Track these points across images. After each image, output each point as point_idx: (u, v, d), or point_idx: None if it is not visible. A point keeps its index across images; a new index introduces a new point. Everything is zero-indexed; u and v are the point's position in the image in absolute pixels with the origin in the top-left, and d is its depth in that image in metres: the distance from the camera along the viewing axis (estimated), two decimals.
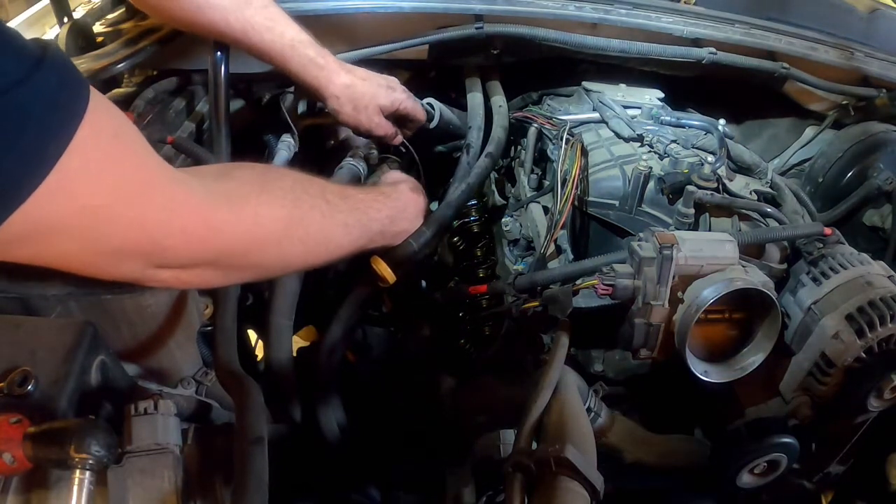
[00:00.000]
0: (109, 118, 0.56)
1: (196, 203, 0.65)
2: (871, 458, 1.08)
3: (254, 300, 1.10)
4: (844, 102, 1.46)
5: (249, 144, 1.28)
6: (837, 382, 0.91)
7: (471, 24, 1.30)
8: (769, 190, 1.13)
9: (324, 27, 1.20)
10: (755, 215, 1.03)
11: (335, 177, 1.19)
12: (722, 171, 1.06)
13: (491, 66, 1.45)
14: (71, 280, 0.77)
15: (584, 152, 1.13)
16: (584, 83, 1.37)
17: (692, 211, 1.01)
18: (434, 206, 1.23)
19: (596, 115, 1.26)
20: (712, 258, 0.89)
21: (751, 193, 1.09)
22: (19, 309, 0.77)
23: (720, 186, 1.05)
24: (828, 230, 0.97)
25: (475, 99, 1.38)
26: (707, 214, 1.04)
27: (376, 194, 0.99)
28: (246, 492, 0.66)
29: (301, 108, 1.31)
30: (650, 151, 1.16)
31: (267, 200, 0.74)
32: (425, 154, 1.41)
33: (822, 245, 0.98)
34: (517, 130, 1.39)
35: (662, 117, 1.21)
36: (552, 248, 1.12)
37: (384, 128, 1.23)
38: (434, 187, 1.29)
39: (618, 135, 1.19)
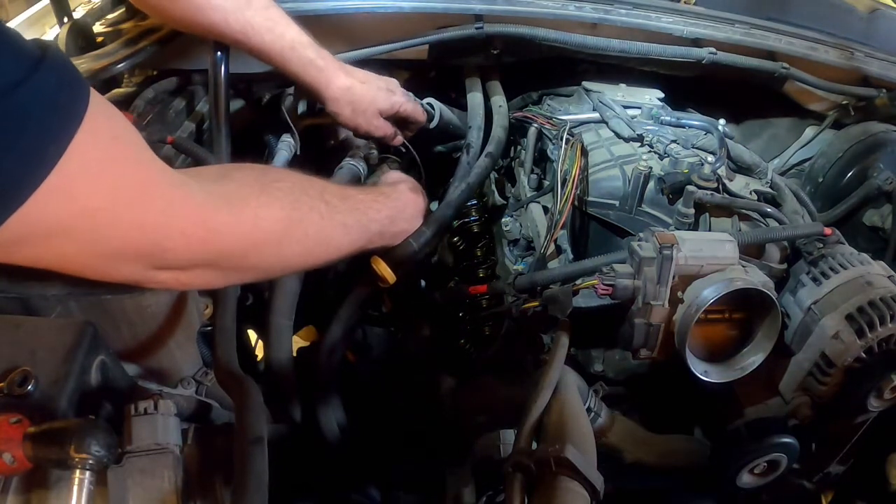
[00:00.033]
0: (108, 120, 0.56)
1: (195, 205, 0.65)
2: (871, 458, 1.08)
3: (254, 300, 1.10)
4: (844, 102, 1.46)
5: (249, 144, 1.28)
6: (837, 382, 0.91)
7: (471, 24, 1.30)
8: (769, 190, 1.13)
9: (324, 27, 1.20)
10: (755, 215, 1.03)
11: (335, 177, 1.19)
12: (722, 171, 1.06)
13: (491, 66, 1.45)
14: (71, 280, 0.77)
15: (584, 152, 1.13)
16: (584, 83, 1.36)
17: (692, 211, 1.01)
18: (434, 205, 1.23)
19: (596, 115, 1.26)
20: (712, 258, 0.89)
21: (751, 193, 1.09)
22: (19, 309, 0.77)
23: (720, 186, 1.05)
24: (828, 230, 0.97)
25: (475, 99, 1.38)
26: (707, 214, 1.04)
27: (376, 195, 0.99)
28: (246, 492, 0.66)
29: (301, 108, 1.31)
30: (650, 151, 1.16)
31: (266, 202, 0.74)
32: (425, 154, 1.41)
33: (822, 245, 0.98)
34: (517, 130, 1.39)
35: (662, 117, 1.21)
36: (552, 248, 1.12)
37: (383, 129, 1.23)
38: (434, 187, 1.29)
39: (618, 135, 1.19)
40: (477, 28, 1.29)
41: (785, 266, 0.98)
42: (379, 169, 1.27)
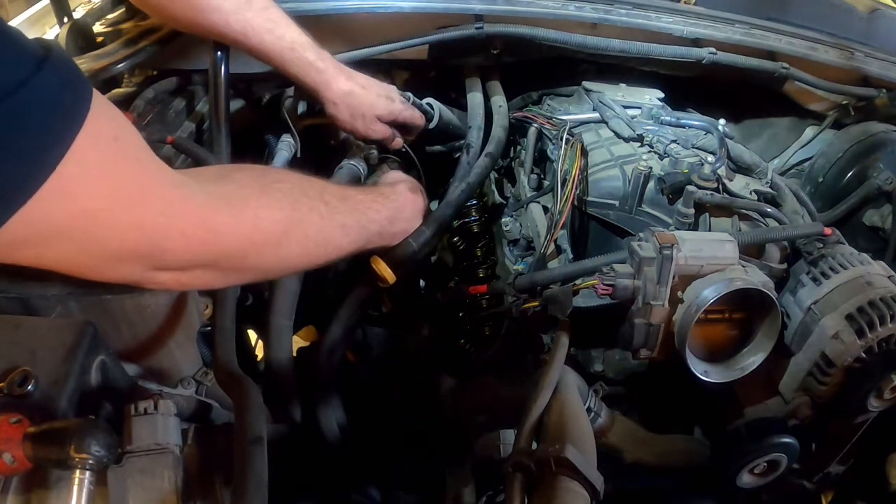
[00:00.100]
0: (110, 120, 0.56)
1: (195, 206, 0.65)
2: (871, 458, 1.08)
3: (254, 300, 1.10)
4: (844, 102, 1.46)
5: (249, 144, 1.28)
6: (837, 382, 0.91)
7: (471, 24, 1.30)
8: (769, 190, 1.13)
9: (324, 27, 1.20)
10: (755, 215, 1.03)
11: (335, 177, 1.19)
12: (722, 171, 1.06)
13: (491, 66, 1.45)
14: (71, 280, 0.77)
15: (584, 152, 1.13)
16: (584, 83, 1.36)
17: (692, 211, 1.01)
18: (434, 205, 1.23)
19: (596, 115, 1.26)
20: (712, 258, 0.89)
21: (751, 193, 1.09)
22: (19, 309, 0.77)
23: (720, 186, 1.05)
24: (828, 230, 0.97)
25: (475, 99, 1.38)
26: (707, 214, 1.04)
27: (375, 195, 0.99)
28: (246, 492, 0.66)
29: (301, 108, 1.31)
30: (650, 151, 1.16)
31: (266, 203, 0.74)
32: (425, 154, 1.41)
33: (822, 245, 0.98)
34: (517, 130, 1.39)
35: (662, 117, 1.21)
36: (552, 248, 1.12)
37: (381, 133, 1.23)
38: (434, 187, 1.29)
39: (618, 135, 1.19)
40: (477, 28, 1.29)
41: (785, 266, 0.98)
42: (379, 169, 1.27)
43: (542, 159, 1.31)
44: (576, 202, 1.12)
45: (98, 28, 1.27)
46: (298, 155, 1.26)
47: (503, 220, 1.34)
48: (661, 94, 1.35)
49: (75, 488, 0.62)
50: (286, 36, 1.08)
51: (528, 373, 1.07)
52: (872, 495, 1.13)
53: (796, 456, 0.95)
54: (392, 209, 1.00)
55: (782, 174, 1.48)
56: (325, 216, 0.84)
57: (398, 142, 1.28)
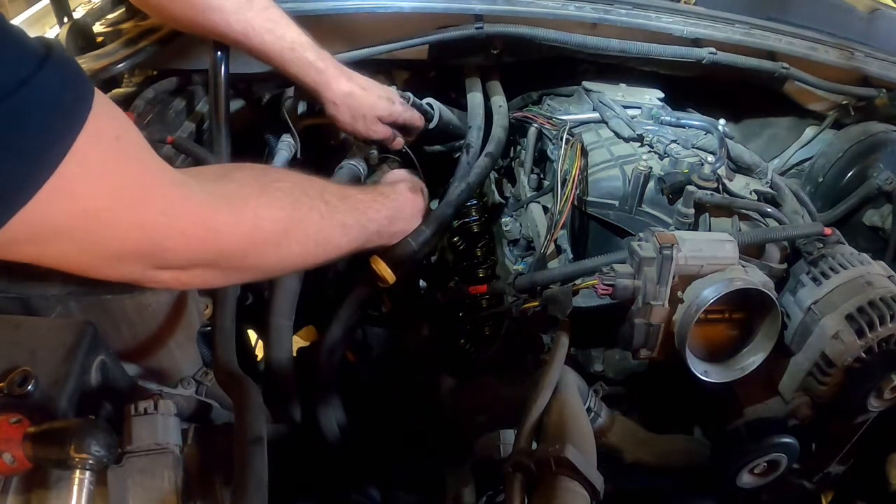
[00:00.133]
0: (111, 120, 0.56)
1: (196, 205, 0.66)
2: (871, 458, 1.08)
3: (254, 300, 1.10)
4: (844, 102, 1.46)
5: (249, 144, 1.28)
6: (837, 382, 0.91)
7: (471, 24, 1.30)
8: (769, 190, 1.13)
9: (324, 27, 1.20)
10: (755, 215, 1.03)
11: (335, 177, 1.19)
12: (722, 171, 1.06)
13: (491, 66, 1.45)
14: (71, 280, 0.77)
15: (584, 152, 1.13)
16: (584, 83, 1.37)
17: (692, 211, 1.01)
18: (434, 205, 1.23)
19: (596, 115, 1.26)
20: (712, 258, 0.89)
21: (751, 193, 1.09)
22: (19, 309, 0.77)
23: (720, 186, 1.05)
24: (828, 230, 0.97)
25: (475, 99, 1.38)
26: (707, 214, 1.04)
27: (375, 195, 0.99)
28: (246, 492, 0.66)
29: (301, 108, 1.31)
30: (650, 151, 1.16)
31: (266, 202, 0.74)
32: (425, 154, 1.41)
33: (822, 245, 0.98)
34: (517, 130, 1.39)
35: (662, 117, 1.21)
36: (552, 248, 1.12)
37: (382, 133, 1.23)
38: (434, 187, 1.29)
39: (618, 135, 1.19)
40: (477, 28, 1.29)
41: (785, 266, 0.98)
42: (379, 169, 1.27)
43: (542, 159, 1.31)
44: (576, 202, 1.12)
45: (98, 28, 1.27)
46: (299, 155, 1.26)
47: (503, 220, 1.34)
48: (661, 94, 1.35)
49: (75, 488, 0.62)
50: (286, 36, 1.08)
51: (528, 373, 1.07)
52: (872, 495, 1.13)
53: (796, 456, 0.95)
54: (392, 209, 1.00)
55: (782, 174, 1.48)
56: (326, 215, 0.84)
57: (399, 142, 1.28)
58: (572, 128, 1.19)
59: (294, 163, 1.25)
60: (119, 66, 1.13)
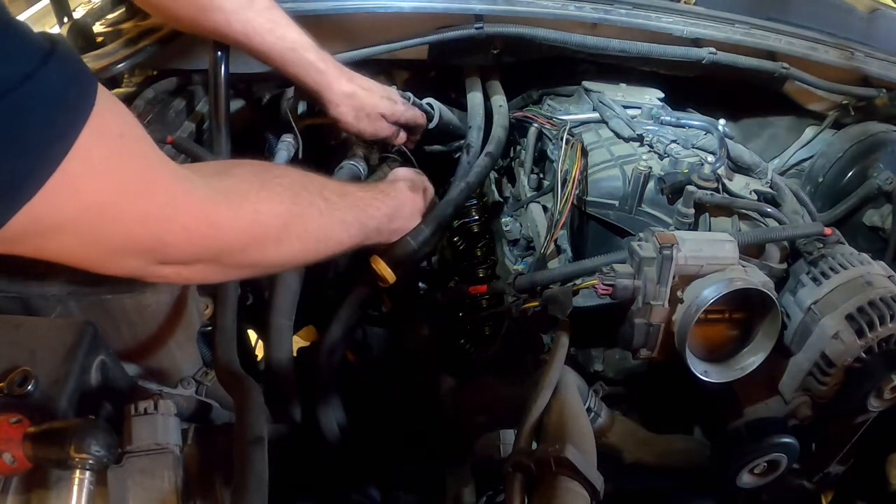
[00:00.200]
0: (115, 116, 0.56)
1: (198, 200, 0.66)
2: (871, 458, 1.08)
3: (254, 300, 1.10)
4: (844, 102, 1.46)
5: (250, 144, 1.28)
6: (837, 382, 0.91)
7: (471, 24, 1.30)
8: (769, 190, 1.13)
9: (324, 27, 1.20)
10: (755, 215, 1.03)
11: (335, 177, 1.19)
12: (722, 171, 1.06)
13: (491, 66, 1.45)
14: (71, 280, 0.77)
15: (584, 152, 1.13)
16: (584, 83, 1.36)
17: (692, 211, 1.01)
18: None
19: (596, 115, 1.26)
20: (712, 258, 0.89)
21: (751, 193, 1.09)
22: (19, 309, 0.77)
23: (720, 186, 1.05)
24: (828, 230, 0.97)
25: (475, 99, 1.38)
26: (707, 214, 1.04)
27: (375, 192, 0.99)
28: (246, 492, 0.66)
29: (301, 107, 1.31)
30: (650, 151, 1.16)
31: (266, 197, 0.74)
32: (425, 154, 1.41)
33: (822, 245, 0.98)
34: (517, 130, 1.39)
35: (662, 117, 1.21)
36: (552, 248, 1.12)
37: (387, 131, 1.23)
38: (434, 187, 1.29)
39: (618, 135, 1.19)
40: (477, 28, 1.29)
41: (785, 266, 0.98)
42: (379, 169, 1.28)
43: (542, 159, 1.31)
44: (576, 202, 1.12)
45: (98, 28, 1.27)
46: (300, 155, 1.26)
47: (503, 220, 1.34)
48: (661, 94, 1.35)
49: (75, 488, 0.62)
50: (287, 36, 1.08)
51: (528, 373, 1.08)
52: (872, 495, 1.13)
53: (796, 456, 0.95)
54: (391, 207, 1.00)
55: (782, 174, 1.48)
56: (325, 211, 0.84)
57: (402, 136, 1.28)
58: (572, 128, 1.19)
59: (294, 162, 1.25)
60: (119, 66, 1.13)
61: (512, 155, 1.45)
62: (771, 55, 1.39)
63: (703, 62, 1.33)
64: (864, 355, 0.89)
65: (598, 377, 1.10)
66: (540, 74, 1.47)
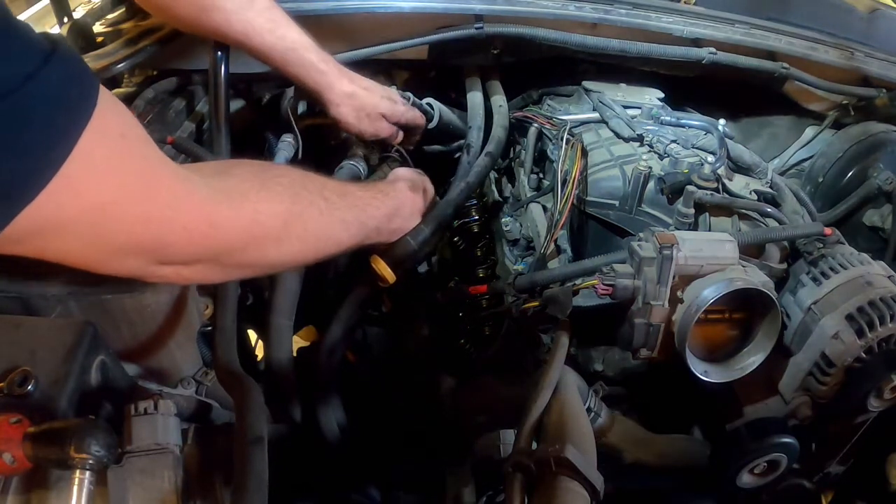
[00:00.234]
0: (116, 116, 0.56)
1: (198, 200, 0.66)
2: (871, 458, 1.08)
3: (254, 300, 1.10)
4: (844, 102, 1.46)
5: (250, 144, 1.28)
6: (837, 382, 0.92)
7: (471, 24, 1.30)
8: (769, 190, 1.13)
9: (324, 27, 1.20)
10: (755, 215, 1.03)
11: (335, 177, 1.19)
12: (722, 171, 1.06)
13: (491, 66, 1.45)
14: (71, 280, 0.77)
15: (584, 153, 1.13)
16: (584, 83, 1.36)
17: (692, 211, 1.01)
18: None
19: (596, 115, 1.26)
20: (712, 258, 0.89)
21: (751, 193, 1.09)
22: (19, 309, 0.77)
23: (720, 186, 1.05)
24: (828, 230, 0.97)
25: (475, 99, 1.38)
26: (707, 214, 1.04)
27: (374, 192, 0.99)
28: (246, 492, 0.66)
29: (301, 107, 1.31)
30: (650, 151, 1.16)
31: (266, 197, 0.74)
32: (425, 154, 1.41)
33: (822, 245, 0.98)
34: (517, 130, 1.39)
35: (662, 117, 1.21)
36: (552, 248, 1.12)
37: (387, 131, 1.23)
38: (434, 187, 1.29)
39: (618, 135, 1.19)
40: (477, 28, 1.29)
41: (785, 266, 0.98)
42: (379, 169, 1.28)
43: (541, 159, 1.31)
44: (576, 202, 1.12)
45: (98, 28, 1.27)
46: (300, 155, 1.26)
47: (503, 220, 1.34)
48: (661, 94, 1.35)
49: (75, 488, 0.62)
50: (288, 36, 1.08)
51: (528, 373, 1.08)
52: (872, 495, 1.13)
53: (796, 456, 0.95)
54: (391, 206, 1.00)
55: (782, 174, 1.48)
56: (325, 211, 0.84)
57: (400, 136, 1.28)
58: (572, 128, 1.19)
59: (294, 162, 1.25)
60: (119, 66, 1.13)
61: (512, 155, 1.45)
62: (771, 55, 1.39)
63: (703, 62, 1.33)
64: (864, 355, 0.89)
65: (598, 377, 1.10)
66: (540, 74, 1.47)
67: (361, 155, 1.24)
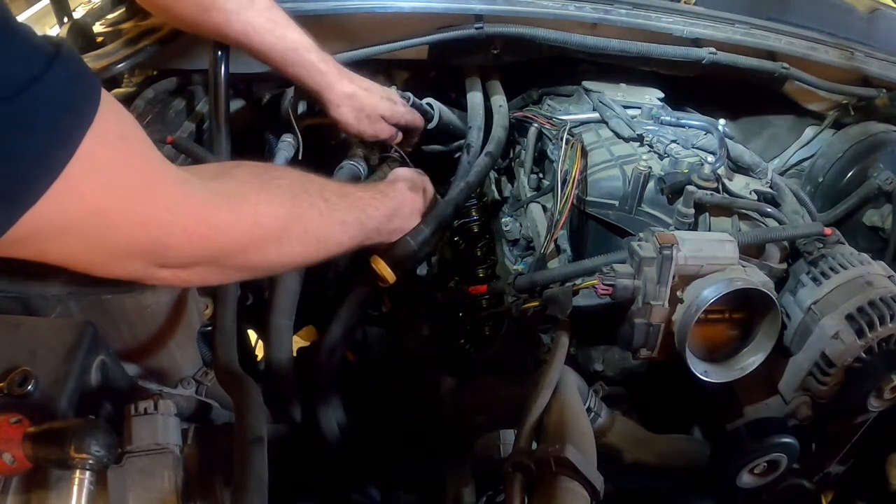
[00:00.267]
0: (117, 118, 0.56)
1: (198, 203, 0.66)
2: (871, 458, 1.08)
3: (254, 300, 1.10)
4: (844, 102, 1.46)
5: (250, 144, 1.28)
6: (837, 382, 0.92)
7: (471, 24, 1.30)
8: (769, 190, 1.13)
9: (324, 27, 1.20)
10: (755, 215, 1.03)
11: (335, 177, 1.19)
12: (722, 171, 1.06)
13: (491, 66, 1.45)
14: (71, 280, 0.77)
15: (584, 152, 1.13)
16: (584, 83, 1.36)
17: (692, 211, 1.01)
18: None
19: (596, 115, 1.26)
20: (712, 258, 0.89)
21: (751, 193, 1.09)
22: (19, 309, 0.77)
23: (720, 186, 1.05)
24: (828, 230, 0.97)
25: (475, 99, 1.38)
26: (707, 214, 1.04)
27: (374, 192, 0.99)
28: (246, 492, 0.66)
29: (301, 107, 1.31)
30: (650, 151, 1.16)
31: (266, 199, 0.74)
32: (424, 154, 1.41)
33: (822, 245, 0.98)
34: (517, 130, 1.39)
35: (662, 117, 1.21)
36: (552, 248, 1.12)
37: (387, 132, 1.23)
38: (434, 187, 1.29)
39: (618, 135, 1.19)
40: (477, 28, 1.29)
41: (785, 266, 0.98)
42: (379, 169, 1.28)
43: (541, 159, 1.31)
44: (575, 202, 1.12)
45: (98, 28, 1.27)
46: (300, 156, 1.26)
47: (503, 220, 1.34)
48: (661, 94, 1.35)
49: (75, 488, 0.62)
50: (288, 36, 1.08)
51: (528, 373, 1.08)
52: (872, 495, 1.13)
53: (796, 456, 0.95)
54: (390, 207, 1.00)
55: (782, 174, 1.48)
56: (325, 213, 0.84)
57: (399, 137, 1.28)
58: (572, 128, 1.19)
59: (294, 163, 1.25)
60: (119, 66, 1.13)
61: (512, 155, 1.45)
62: (771, 55, 1.39)
63: (703, 62, 1.33)
64: (864, 355, 0.89)
65: (598, 377, 1.10)
66: (540, 74, 1.47)
67: (361, 155, 1.24)
